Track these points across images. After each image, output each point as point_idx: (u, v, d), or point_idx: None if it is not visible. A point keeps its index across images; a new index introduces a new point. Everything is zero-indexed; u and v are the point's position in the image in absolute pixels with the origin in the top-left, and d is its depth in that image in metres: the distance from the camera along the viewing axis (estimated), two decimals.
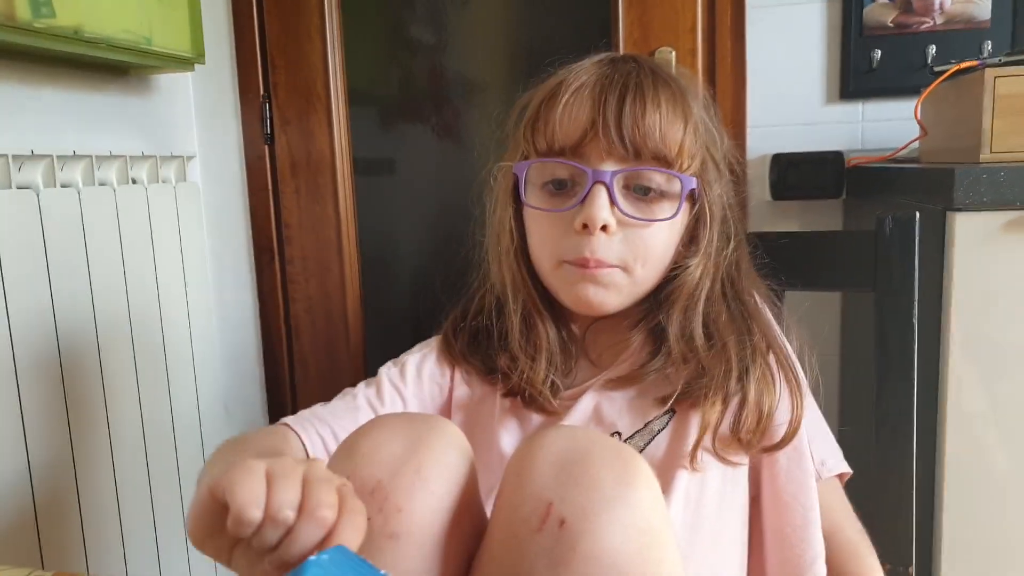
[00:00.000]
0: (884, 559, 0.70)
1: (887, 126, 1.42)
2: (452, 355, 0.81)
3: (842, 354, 1.42)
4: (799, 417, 0.69)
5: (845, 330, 1.42)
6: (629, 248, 0.70)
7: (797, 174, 1.42)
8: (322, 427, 0.75)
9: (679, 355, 0.71)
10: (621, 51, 1.48)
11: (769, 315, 0.77)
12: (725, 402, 0.68)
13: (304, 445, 0.72)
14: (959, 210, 0.83)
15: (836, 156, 1.40)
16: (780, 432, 0.69)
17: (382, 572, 0.38)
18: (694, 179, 0.71)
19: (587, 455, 0.50)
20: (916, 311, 0.74)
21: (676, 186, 0.70)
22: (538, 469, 0.51)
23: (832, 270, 0.81)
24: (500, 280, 0.79)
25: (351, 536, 0.39)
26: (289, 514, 0.39)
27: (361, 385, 0.82)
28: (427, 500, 0.52)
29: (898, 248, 0.75)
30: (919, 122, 1.13)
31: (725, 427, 0.69)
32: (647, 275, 0.72)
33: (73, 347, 1.19)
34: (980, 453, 0.90)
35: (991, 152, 0.94)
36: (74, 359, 1.20)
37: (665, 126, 0.68)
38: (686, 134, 0.70)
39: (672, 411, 0.71)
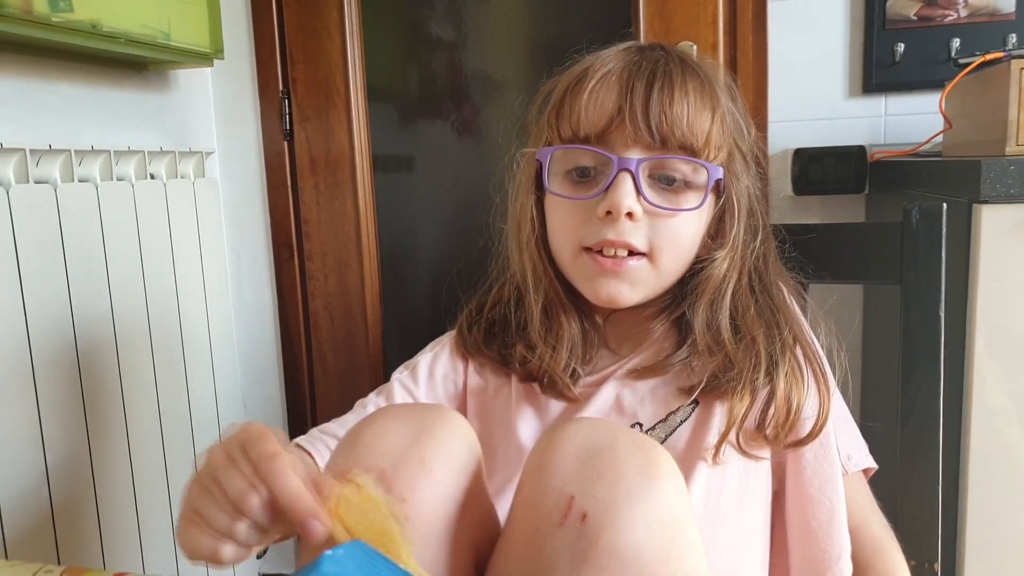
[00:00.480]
0: (909, 555, 0.69)
1: (910, 120, 1.40)
2: (466, 347, 0.80)
3: (864, 349, 1.41)
4: (827, 412, 0.68)
5: (867, 324, 1.40)
6: (655, 236, 0.69)
7: (819, 168, 1.40)
8: (331, 441, 0.75)
9: (705, 347, 0.70)
10: None
11: (796, 309, 0.75)
12: (753, 396, 0.67)
13: (315, 461, 0.72)
14: (985, 202, 0.82)
15: (859, 150, 1.39)
16: (807, 427, 0.68)
17: (399, 567, 0.37)
18: (720, 169, 0.70)
19: (610, 448, 0.49)
20: (943, 304, 0.72)
21: (702, 176, 0.69)
22: (560, 462, 0.50)
23: (857, 262, 0.80)
24: (520, 270, 0.78)
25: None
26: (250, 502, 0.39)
27: (372, 395, 0.82)
28: (432, 489, 0.51)
29: (925, 240, 0.73)
30: (944, 115, 1.11)
31: (751, 422, 0.68)
32: (672, 267, 0.71)
33: (90, 342, 1.20)
34: (1005, 449, 0.89)
35: (1017, 144, 0.93)
36: (91, 354, 1.20)
37: (692, 115, 0.67)
38: (713, 124, 0.68)
39: (695, 403, 0.70)
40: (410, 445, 0.53)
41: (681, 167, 0.68)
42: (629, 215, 0.67)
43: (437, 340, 0.84)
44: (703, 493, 0.65)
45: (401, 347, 1.74)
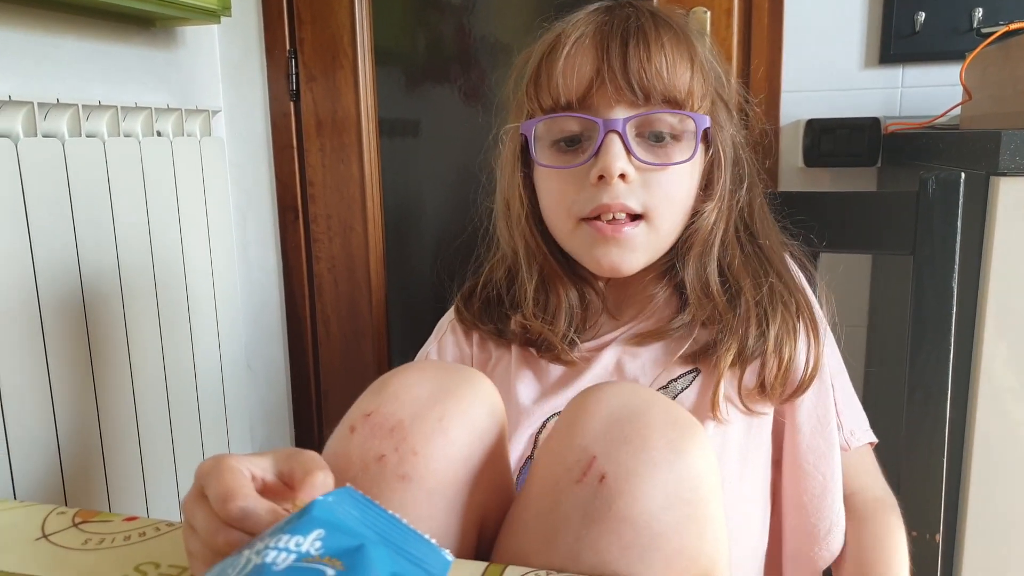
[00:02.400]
0: (911, 526, 0.69)
1: (927, 92, 1.38)
2: (465, 323, 0.80)
3: (870, 323, 1.40)
4: (817, 362, 0.68)
5: (874, 298, 1.39)
6: (650, 195, 0.68)
7: (831, 140, 1.39)
8: None
9: (695, 301, 0.69)
10: None
11: (787, 259, 0.75)
12: (741, 346, 0.67)
13: None
14: (1003, 175, 0.80)
15: (873, 123, 1.37)
16: (799, 376, 0.68)
17: (390, 513, 0.37)
18: (707, 118, 0.69)
19: (641, 415, 0.48)
20: (956, 276, 0.71)
21: (690, 127, 0.68)
22: (589, 422, 0.49)
23: (870, 232, 0.79)
24: (512, 249, 0.77)
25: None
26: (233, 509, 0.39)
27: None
28: (445, 448, 0.51)
29: (941, 210, 0.72)
30: (964, 85, 1.09)
31: (749, 378, 0.68)
32: (669, 226, 0.70)
33: (97, 294, 1.21)
34: (1009, 427, 0.88)
35: None
36: (98, 306, 1.21)
37: (671, 67, 0.66)
38: (694, 74, 0.68)
39: (696, 370, 0.69)
40: (432, 401, 0.52)
41: (668, 120, 0.67)
42: (622, 176, 0.66)
43: (438, 326, 0.83)
44: None
45: (405, 311, 1.74)
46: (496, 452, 0.55)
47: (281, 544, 0.32)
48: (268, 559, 0.31)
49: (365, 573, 0.31)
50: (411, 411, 0.51)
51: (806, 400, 0.69)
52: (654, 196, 0.68)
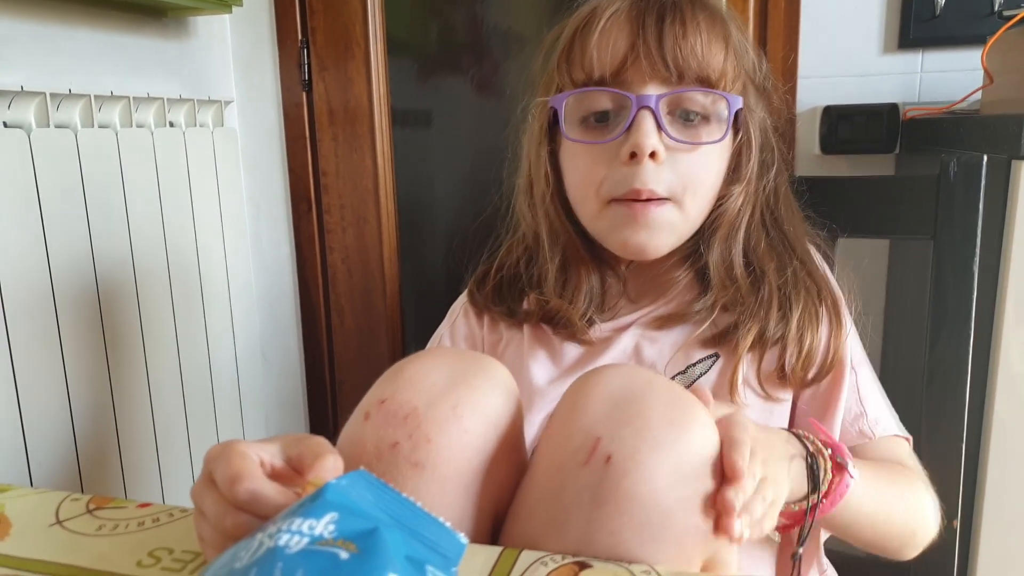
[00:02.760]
0: None
1: (947, 77, 1.35)
2: (477, 305, 0.80)
3: (887, 310, 1.38)
4: (839, 346, 0.68)
5: (891, 285, 1.38)
6: (679, 177, 0.67)
7: (849, 127, 1.37)
8: None
9: (719, 284, 0.69)
10: None
11: (808, 245, 0.74)
12: (762, 330, 0.67)
13: None
14: None
15: (891, 109, 1.35)
16: (819, 361, 0.68)
17: (404, 496, 0.36)
18: (740, 99, 0.68)
19: (643, 396, 0.49)
20: (977, 261, 0.70)
21: (722, 107, 0.67)
22: (591, 404, 0.49)
23: (890, 216, 0.78)
24: (533, 230, 0.77)
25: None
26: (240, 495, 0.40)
27: None
28: (459, 436, 0.50)
29: (962, 194, 0.71)
30: (986, 69, 1.07)
31: (769, 363, 0.67)
32: (698, 208, 0.69)
33: (111, 285, 1.21)
34: None
35: None
36: (112, 296, 1.22)
37: (706, 47, 0.66)
38: (728, 55, 0.67)
39: (716, 355, 0.69)
40: (446, 389, 0.52)
41: (700, 100, 0.67)
42: (652, 155, 0.65)
43: (451, 310, 0.83)
44: None
45: (419, 301, 1.74)
46: (511, 440, 0.54)
47: (294, 527, 0.32)
48: (281, 542, 0.31)
49: (379, 556, 0.31)
50: (425, 399, 0.51)
51: (831, 392, 0.68)
52: (683, 178, 0.67)
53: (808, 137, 1.42)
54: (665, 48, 0.65)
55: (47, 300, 1.09)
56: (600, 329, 0.73)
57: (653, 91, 0.66)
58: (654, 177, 0.66)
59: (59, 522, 0.47)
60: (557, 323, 0.73)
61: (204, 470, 0.42)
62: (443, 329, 0.81)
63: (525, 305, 0.76)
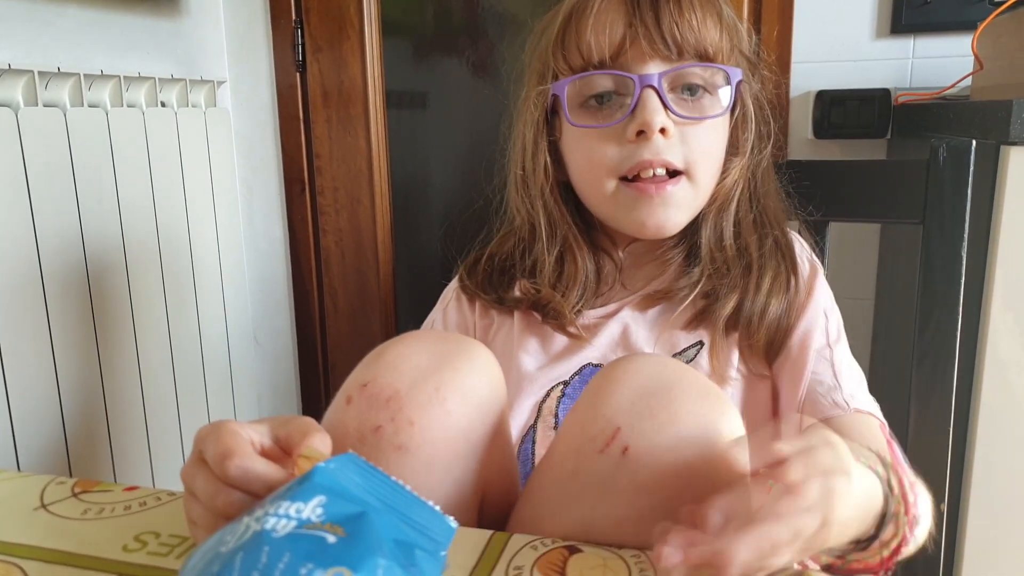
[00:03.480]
0: None
1: (938, 63, 1.36)
2: (468, 291, 0.80)
3: (877, 295, 1.39)
4: (795, 316, 0.69)
5: (881, 271, 1.38)
6: (691, 150, 0.67)
7: (841, 112, 1.37)
8: None
9: (707, 256, 0.70)
10: None
11: (785, 224, 0.76)
12: (741, 301, 0.68)
13: None
14: (1015, 144, 0.79)
15: (883, 94, 1.35)
16: (783, 328, 0.69)
17: (393, 480, 0.37)
18: (739, 71, 0.69)
19: (669, 389, 0.48)
20: (966, 245, 0.71)
21: (721, 79, 0.68)
22: (615, 392, 0.49)
23: (879, 201, 0.78)
24: (529, 220, 0.77)
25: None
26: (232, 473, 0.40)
27: None
28: (441, 418, 0.50)
29: (951, 179, 0.71)
30: (976, 55, 1.07)
31: (748, 335, 0.68)
32: (708, 181, 0.70)
33: (101, 265, 1.21)
34: (1013, 401, 0.88)
35: None
36: (102, 277, 1.21)
37: (701, 22, 0.66)
38: (722, 30, 0.68)
39: (700, 343, 0.69)
40: (429, 372, 0.52)
41: (701, 74, 0.68)
42: (662, 131, 0.66)
43: (442, 295, 0.83)
44: None
45: (412, 284, 1.74)
46: (495, 421, 0.54)
47: (281, 511, 0.32)
48: (268, 526, 0.31)
49: (367, 540, 0.31)
50: (408, 381, 0.51)
51: (798, 362, 0.69)
52: (693, 151, 0.68)
53: (801, 122, 1.42)
54: (663, 26, 0.65)
55: (35, 281, 1.08)
56: (588, 316, 0.73)
57: (655, 69, 0.66)
58: (667, 149, 0.66)
59: (43, 506, 0.47)
60: (547, 313, 0.74)
61: (194, 450, 0.42)
62: (435, 314, 0.81)
63: (516, 292, 0.76)
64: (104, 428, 1.22)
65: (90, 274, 1.18)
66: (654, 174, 0.67)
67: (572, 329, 0.72)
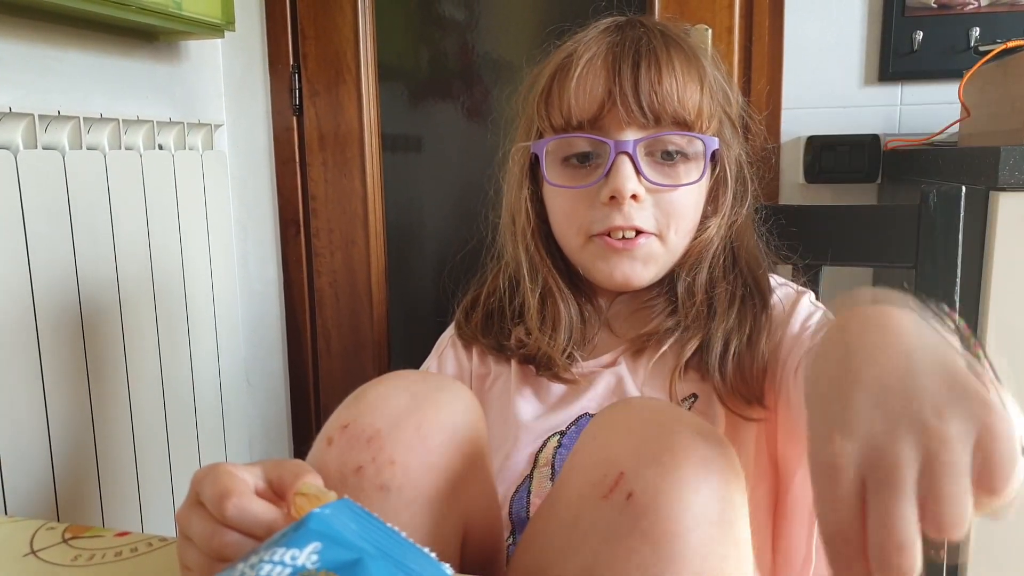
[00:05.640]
0: None
1: (926, 110, 1.38)
2: (465, 337, 0.80)
3: None
4: (767, 350, 0.69)
5: None
6: (662, 213, 0.69)
7: (832, 157, 1.39)
8: None
9: (681, 305, 0.71)
10: None
11: (768, 271, 0.76)
12: (702, 343, 0.68)
13: None
14: (1003, 190, 0.81)
15: (873, 139, 1.37)
16: (759, 372, 0.68)
17: (389, 526, 0.36)
18: (716, 140, 0.70)
19: (671, 433, 0.47)
20: (959, 289, 0.71)
21: (699, 148, 0.69)
22: (616, 436, 0.49)
23: (871, 245, 0.79)
24: (516, 261, 0.78)
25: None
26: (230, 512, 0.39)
27: None
28: (423, 457, 0.50)
29: (942, 223, 0.72)
30: (963, 103, 1.10)
31: (722, 380, 0.68)
32: (680, 240, 0.71)
33: (95, 307, 1.20)
34: None
35: None
36: (95, 319, 1.20)
37: (682, 89, 0.67)
38: (703, 95, 0.68)
39: (695, 396, 0.69)
40: (409, 410, 0.51)
41: (677, 141, 0.68)
42: (633, 197, 0.67)
43: (438, 342, 0.83)
44: None
45: (406, 326, 1.73)
46: (476, 460, 0.54)
47: (276, 557, 0.31)
48: (263, 572, 0.30)
49: None
50: (388, 421, 0.51)
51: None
52: (665, 215, 0.69)
53: (792, 166, 1.44)
54: (641, 94, 0.66)
55: (28, 322, 1.08)
56: (583, 367, 0.73)
57: (631, 135, 0.67)
58: (638, 215, 0.67)
59: (33, 552, 0.46)
60: (540, 363, 0.74)
61: (190, 492, 0.42)
62: (430, 361, 0.81)
63: (512, 340, 0.76)
64: (94, 470, 1.21)
65: (84, 315, 1.18)
66: (623, 235, 0.68)
67: (566, 375, 0.72)
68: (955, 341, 0.39)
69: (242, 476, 0.41)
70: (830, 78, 1.41)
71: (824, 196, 1.45)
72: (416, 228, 1.71)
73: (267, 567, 0.31)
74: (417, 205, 1.70)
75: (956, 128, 1.20)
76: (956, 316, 0.43)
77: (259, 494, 0.42)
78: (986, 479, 0.31)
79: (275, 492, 0.42)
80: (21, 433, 1.07)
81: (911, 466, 0.32)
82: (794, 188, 1.45)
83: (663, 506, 0.44)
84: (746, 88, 1.44)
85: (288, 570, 0.31)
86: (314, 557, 0.32)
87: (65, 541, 0.48)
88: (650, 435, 0.47)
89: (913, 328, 0.38)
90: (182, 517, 0.41)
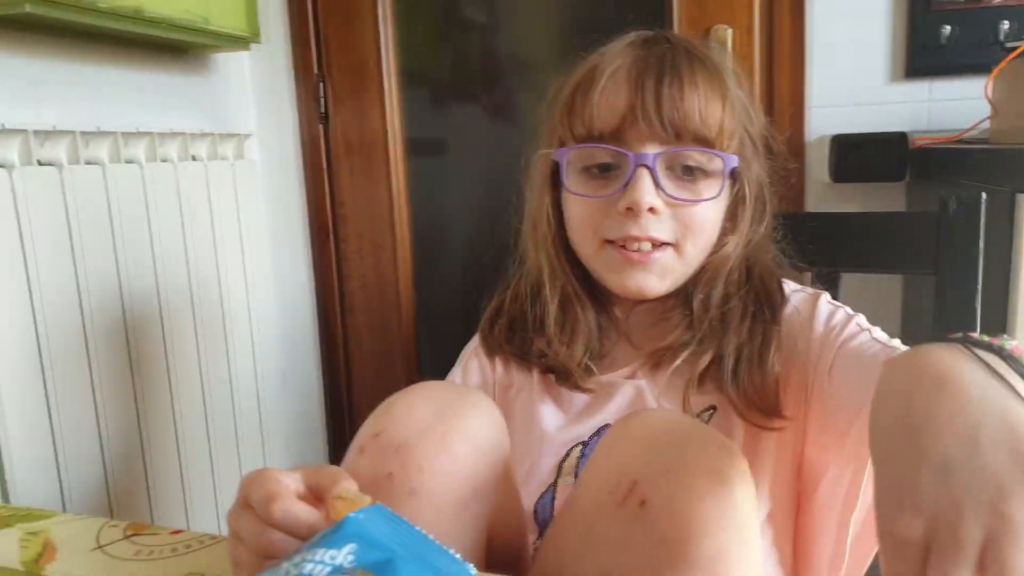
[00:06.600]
0: None
1: (955, 106, 1.37)
2: (489, 348, 0.82)
3: (902, 342, 1.38)
4: (776, 365, 0.69)
5: (905, 317, 1.38)
6: (681, 225, 0.70)
7: (859, 156, 1.38)
8: None
9: (698, 321, 0.72)
10: (676, 29, 1.45)
11: (785, 280, 0.76)
12: (716, 355, 0.69)
13: None
14: None
15: (900, 137, 1.36)
16: (773, 382, 0.69)
17: (417, 529, 0.38)
18: (735, 157, 0.70)
19: (684, 443, 0.50)
20: (980, 297, 0.71)
21: (718, 165, 0.70)
22: (630, 446, 0.51)
23: (892, 252, 0.79)
24: (537, 267, 0.79)
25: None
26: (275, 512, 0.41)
27: None
28: (448, 464, 0.53)
29: (963, 230, 0.72)
30: (989, 100, 1.09)
31: (738, 391, 0.68)
32: (696, 254, 0.72)
33: (138, 315, 1.25)
34: None
35: None
36: (139, 327, 1.25)
37: (704, 106, 0.68)
38: (725, 113, 0.69)
39: (713, 408, 0.70)
40: (435, 421, 0.54)
41: (697, 157, 0.69)
42: (651, 210, 0.68)
43: (463, 352, 0.85)
44: None
45: (434, 327, 1.76)
46: (498, 467, 0.56)
47: (317, 557, 0.34)
48: (306, 571, 0.33)
49: None
50: (416, 430, 0.54)
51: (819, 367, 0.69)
52: (683, 227, 0.69)
53: (818, 166, 1.43)
54: (663, 110, 0.67)
55: (79, 331, 1.13)
56: (600, 380, 0.75)
57: (651, 150, 0.68)
58: (654, 227, 0.68)
59: (100, 547, 0.51)
60: (559, 374, 0.76)
61: (239, 495, 0.44)
62: (455, 372, 0.83)
63: (534, 349, 0.78)
64: (142, 470, 1.26)
65: (128, 323, 1.22)
66: (639, 247, 0.69)
67: (585, 385, 0.74)
68: (1017, 382, 0.39)
69: (286, 481, 0.44)
70: (857, 75, 1.40)
71: (851, 195, 1.44)
72: (443, 230, 1.74)
73: (309, 566, 0.33)
74: (443, 208, 1.73)
75: (987, 124, 1.19)
76: (1005, 339, 0.43)
77: (300, 498, 0.44)
78: None
79: (315, 496, 0.44)
80: (77, 436, 1.12)
81: (973, 540, 0.33)
82: (820, 188, 1.44)
83: (675, 514, 0.46)
84: (768, 88, 1.44)
85: (328, 568, 0.33)
86: (351, 557, 0.34)
87: (127, 538, 0.52)
88: (662, 445, 0.50)
89: (978, 389, 0.38)
90: (233, 518, 0.44)
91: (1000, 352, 0.41)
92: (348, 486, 0.43)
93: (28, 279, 1.05)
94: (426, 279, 1.74)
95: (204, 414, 1.41)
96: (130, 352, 1.23)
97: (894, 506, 0.36)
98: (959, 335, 0.43)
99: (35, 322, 1.06)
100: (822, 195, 1.45)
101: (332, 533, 0.36)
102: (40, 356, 1.07)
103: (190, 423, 1.37)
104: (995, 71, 1.06)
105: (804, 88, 1.42)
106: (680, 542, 0.46)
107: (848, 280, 0.83)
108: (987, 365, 0.39)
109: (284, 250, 1.74)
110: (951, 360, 0.40)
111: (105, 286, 1.18)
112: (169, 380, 1.32)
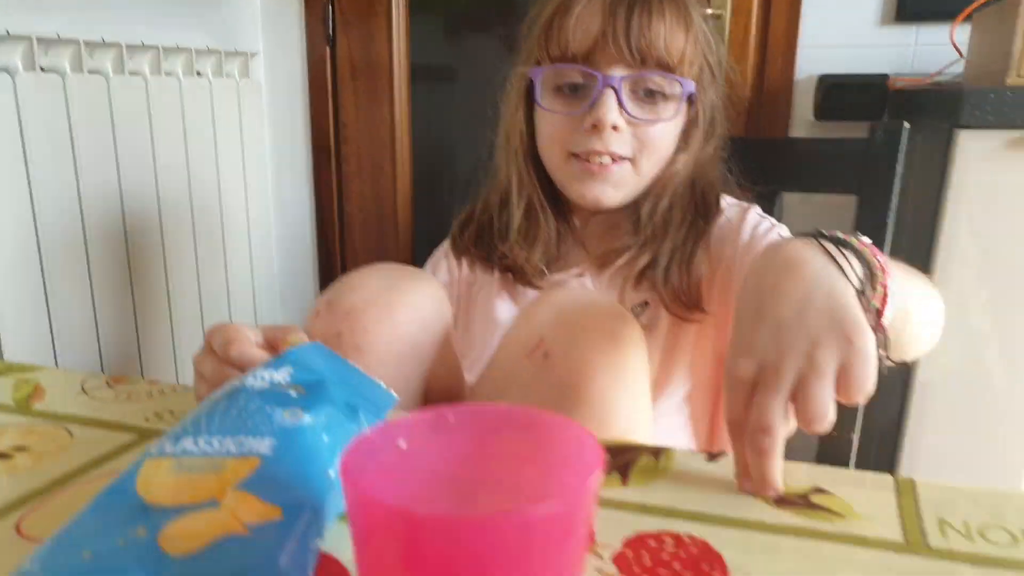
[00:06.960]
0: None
1: (938, 50, 1.39)
2: (458, 248, 0.92)
3: None
4: (702, 266, 0.78)
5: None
6: (639, 142, 0.78)
7: (841, 95, 1.42)
8: None
9: (643, 225, 0.80)
10: None
11: (716, 195, 0.84)
12: (653, 259, 0.78)
13: None
14: (964, 127, 0.86)
15: (881, 79, 1.40)
16: (697, 281, 0.78)
17: (348, 362, 0.46)
18: (693, 83, 0.78)
19: (584, 310, 0.60)
20: (892, 218, 0.78)
21: (677, 89, 0.77)
22: (541, 312, 0.62)
23: (825, 174, 0.86)
24: (507, 178, 0.88)
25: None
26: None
27: None
28: (391, 327, 0.62)
29: (885, 157, 0.78)
30: (955, 45, 1.13)
31: (674, 286, 0.78)
32: (650, 168, 0.80)
33: (138, 225, 1.31)
34: (949, 368, 0.94)
35: (1018, 76, 0.95)
36: (138, 236, 1.31)
37: (668, 35, 0.75)
38: (687, 42, 0.76)
39: (646, 303, 0.79)
40: (381, 292, 0.63)
41: (659, 81, 0.76)
42: (614, 128, 0.75)
43: (434, 252, 0.95)
44: None
45: (430, 249, 1.81)
46: (439, 335, 0.66)
47: (258, 374, 0.42)
48: (247, 383, 0.41)
49: (321, 396, 0.41)
50: (365, 298, 0.63)
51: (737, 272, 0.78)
52: (642, 144, 0.78)
53: (804, 104, 1.47)
54: (631, 36, 0.74)
55: (77, 235, 1.18)
56: (552, 277, 0.85)
57: (618, 72, 0.75)
58: (615, 142, 0.76)
59: (84, 391, 0.59)
60: (517, 273, 0.85)
61: (205, 342, 0.53)
62: (424, 269, 0.92)
63: (497, 253, 0.87)
64: (139, 375, 1.33)
65: (127, 231, 1.28)
66: (600, 161, 0.77)
67: (538, 282, 0.84)
68: (858, 269, 0.48)
69: (244, 331, 0.52)
70: (848, 17, 1.43)
71: (833, 133, 1.48)
72: (444, 158, 1.78)
73: (250, 379, 0.41)
74: (446, 135, 1.77)
75: (960, 68, 1.22)
76: (863, 240, 0.51)
77: (258, 347, 0.52)
78: (843, 388, 0.42)
79: (270, 346, 0.53)
80: (74, 343, 1.18)
81: (789, 378, 0.42)
82: (805, 125, 1.48)
83: (570, 362, 0.57)
84: (764, 27, 1.47)
85: (266, 383, 0.41)
86: (287, 377, 0.42)
87: (108, 385, 0.61)
88: (567, 311, 0.60)
89: (814, 270, 0.47)
90: (197, 360, 0.52)
91: (846, 244, 0.49)
92: (300, 336, 0.51)
93: (29, 180, 1.09)
94: (424, 204, 1.79)
95: (201, 327, 1.48)
96: (129, 260, 1.28)
97: (736, 354, 0.45)
98: (814, 230, 0.51)
99: (35, 222, 1.10)
100: (805, 132, 1.48)
101: (274, 360, 0.44)
102: (40, 257, 1.11)
103: (187, 335, 1.44)
104: (959, 18, 1.09)
105: (797, 28, 1.45)
106: (573, 386, 0.56)
107: (797, 201, 0.90)
108: (828, 253, 0.48)
109: (285, 168, 1.79)
110: (801, 249, 0.49)
111: (105, 192, 1.22)
112: (167, 291, 1.38)
